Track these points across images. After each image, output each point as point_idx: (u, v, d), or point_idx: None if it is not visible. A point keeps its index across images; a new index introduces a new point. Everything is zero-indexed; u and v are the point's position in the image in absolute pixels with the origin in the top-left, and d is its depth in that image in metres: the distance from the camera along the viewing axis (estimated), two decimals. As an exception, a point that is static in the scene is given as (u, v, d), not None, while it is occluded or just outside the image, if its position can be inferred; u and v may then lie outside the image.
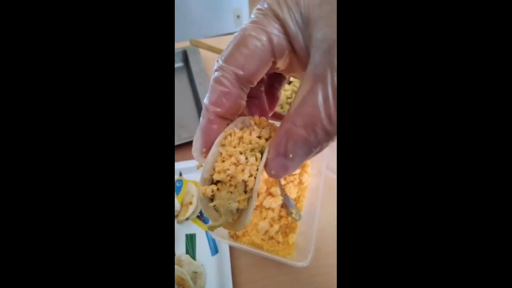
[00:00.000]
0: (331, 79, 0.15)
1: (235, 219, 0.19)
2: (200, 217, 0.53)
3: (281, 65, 0.19)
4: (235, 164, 0.18)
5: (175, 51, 0.74)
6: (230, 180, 0.18)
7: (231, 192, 0.18)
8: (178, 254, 0.48)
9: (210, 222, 0.19)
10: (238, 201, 0.18)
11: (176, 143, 0.59)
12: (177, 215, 0.52)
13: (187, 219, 0.52)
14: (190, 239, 0.50)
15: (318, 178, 0.52)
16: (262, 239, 0.48)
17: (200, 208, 0.52)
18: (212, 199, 0.19)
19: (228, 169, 0.18)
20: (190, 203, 0.52)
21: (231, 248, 0.48)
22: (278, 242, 0.48)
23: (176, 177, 0.56)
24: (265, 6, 0.17)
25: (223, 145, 0.19)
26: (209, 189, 0.18)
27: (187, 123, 0.65)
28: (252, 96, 0.22)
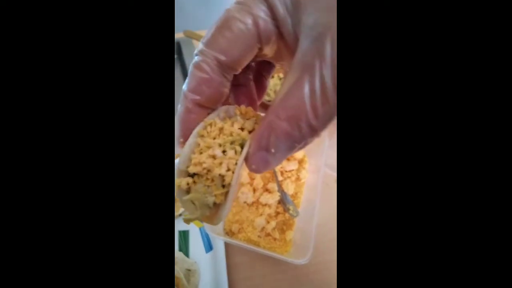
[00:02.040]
0: (319, 70, 0.14)
1: (212, 213, 0.18)
2: (194, 213, 0.51)
3: (268, 51, 0.18)
4: (212, 157, 0.17)
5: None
6: (206, 174, 0.17)
7: (208, 185, 0.18)
8: (171, 251, 0.46)
9: (187, 215, 0.18)
10: (215, 195, 0.17)
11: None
12: (170, 211, 0.49)
13: (180, 215, 0.49)
14: (184, 236, 0.48)
15: (315, 174, 0.51)
16: (258, 236, 0.47)
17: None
18: (188, 191, 0.18)
19: (205, 162, 0.17)
20: (184, 198, 0.50)
21: (227, 245, 0.47)
22: (275, 239, 0.47)
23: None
24: None
25: (201, 136, 0.18)
26: (185, 181, 0.18)
27: (180, 116, 0.62)
28: (239, 84, 0.21)
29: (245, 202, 0.50)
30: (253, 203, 0.50)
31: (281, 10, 0.16)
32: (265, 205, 0.49)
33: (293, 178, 0.52)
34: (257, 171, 0.17)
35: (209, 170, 0.17)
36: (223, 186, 0.18)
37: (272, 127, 0.15)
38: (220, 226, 0.48)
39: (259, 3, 0.16)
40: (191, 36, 0.68)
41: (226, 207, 0.18)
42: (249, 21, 0.16)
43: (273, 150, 0.16)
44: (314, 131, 0.15)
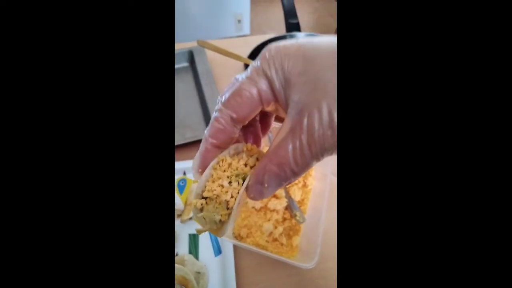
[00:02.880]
0: (299, 135, 0.20)
1: (218, 227, 0.24)
2: (204, 217, 0.52)
3: (268, 109, 0.24)
4: (221, 186, 0.23)
5: (181, 51, 0.75)
6: (216, 198, 0.23)
7: (216, 207, 0.23)
8: (181, 254, 0.48)
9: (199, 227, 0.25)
10: (221, 215, 0.23)
11: (180, 142, 0.59)
12: (181, 215, 0.51)
13: (190, 218, 0.51)
14: (193, 239, 0.50)
15: (322, 181, 0.52)
16: (266, 241, 0.47)
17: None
18: (201, 210, 0.24)
19: (215, 190, 0.23)
20: (195, 202, 0.51)
21: (235, 250, 0.48)
22: (282, 244, 0.48)
23: (180, 176, 0.56)
24: (258, 64, 0.22)
25: (215, 169, 0.24)
26: (199, 202, 0.23)
27: (191, 123, 0.65)
28: (248, 125, 0.26)
29: (253, 207, 0.51)
30: (261, 208, 0.51)
31: (277, 85, 0.21)
32: (273, 210, 0.51)
33: (300, 185, 0.53)
34: (254, 199, 0.23)
35: (218, 196, 0.23)
36: (227, 208, 0.23)
37: (266, 169, 0.21)
38: (229, 231, 0.49)
39: (262, 79, 0.22)
40: (204, 45, 0.70)
41: (229, 224, 0.23)
42: (254, 91, 0.22)
43: (266, 185, 0.22)
44: (295, 174, 0.21)
